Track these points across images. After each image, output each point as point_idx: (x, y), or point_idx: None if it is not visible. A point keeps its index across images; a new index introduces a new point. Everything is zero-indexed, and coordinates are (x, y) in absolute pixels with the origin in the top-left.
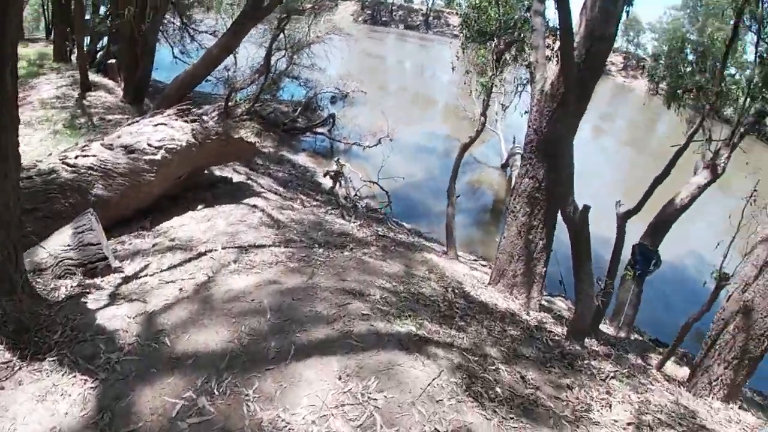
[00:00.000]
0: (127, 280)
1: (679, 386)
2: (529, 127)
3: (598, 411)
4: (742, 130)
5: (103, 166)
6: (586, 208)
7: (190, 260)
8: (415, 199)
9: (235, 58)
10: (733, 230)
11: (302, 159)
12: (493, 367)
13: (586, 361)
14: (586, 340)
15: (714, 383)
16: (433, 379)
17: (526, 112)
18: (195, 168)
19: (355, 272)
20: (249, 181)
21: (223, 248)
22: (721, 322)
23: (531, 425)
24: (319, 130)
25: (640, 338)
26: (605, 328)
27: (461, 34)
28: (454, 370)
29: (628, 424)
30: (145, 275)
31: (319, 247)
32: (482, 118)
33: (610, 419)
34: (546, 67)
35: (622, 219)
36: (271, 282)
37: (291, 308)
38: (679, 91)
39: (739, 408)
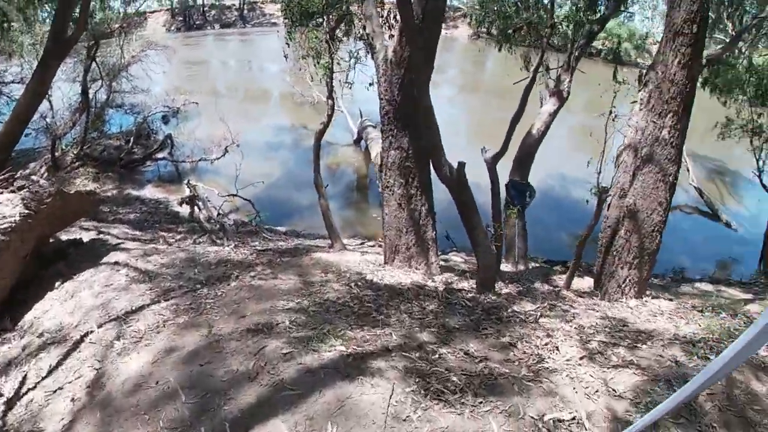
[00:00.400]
0: (10, 404)
1: (592, 298)
2: (381, 98)
3: (549, 358)
4: (576, 53)
5: None
6: (461, 165)
7: (69, 354)
8: (281, 199)
9: (49, 102)
10: (590, 145)
11: (150, 192)
12: (436, 356)
13: (509, 309)
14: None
15: (623, 285)
16: (390, 398)
17: (370, 84)
18: (38, 241)
19: (252, 303)
20: (101, 236)
21: (100, 326)
22: (608, 229)
23: (500, 400)
24: (159, 155)
25: (536, 265)
26: (503, 266)
27: (284, 21)
28: (404, 377)
29: (581, 358)
30: (28, 391)
31: (203, 287)
32: (329, 101)
33: (563, 361)
34: (384, 35)
35: (492, 163)
36: (168, 351)
37: (203, 377)
38: (509, 31)
39: (652, 298)
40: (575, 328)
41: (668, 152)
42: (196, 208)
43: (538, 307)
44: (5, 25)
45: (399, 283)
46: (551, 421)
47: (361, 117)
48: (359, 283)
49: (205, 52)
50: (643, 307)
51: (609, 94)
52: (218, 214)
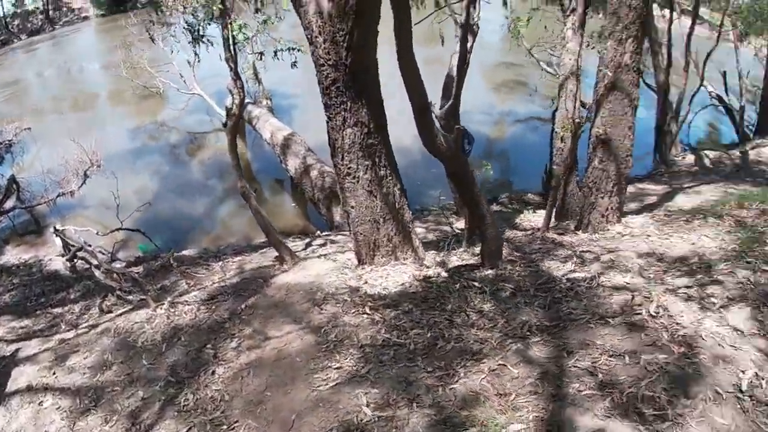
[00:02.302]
0: None
1: (575, 233)
2: (322, 64)
3: (681, 327)
4: None
5: None
6: (461, 130)
7: None
8: (169, 214)
9: None
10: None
11: (12, 255)
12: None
13: (560, 280)
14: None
15: (606, 214)
16: None
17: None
18: None
19: (280, 396)
20: None
21: None
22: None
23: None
24: (7, 205)
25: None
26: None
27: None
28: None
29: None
30: None
31: (179, 390)
32: (238, 81)
33: (693, 327)
34: None
35: (445, 118)
36: None
37: None
38: None
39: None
40: (644, 278)
41: (631, 77)
42: (84, 261)
43: (573, 265)
44: None
45: (402, 283)
46: None
47: (232, 96)
48: (369, 305)
49: (16, 69)
50: (631, 229)
51: None
52: (111, 258)
